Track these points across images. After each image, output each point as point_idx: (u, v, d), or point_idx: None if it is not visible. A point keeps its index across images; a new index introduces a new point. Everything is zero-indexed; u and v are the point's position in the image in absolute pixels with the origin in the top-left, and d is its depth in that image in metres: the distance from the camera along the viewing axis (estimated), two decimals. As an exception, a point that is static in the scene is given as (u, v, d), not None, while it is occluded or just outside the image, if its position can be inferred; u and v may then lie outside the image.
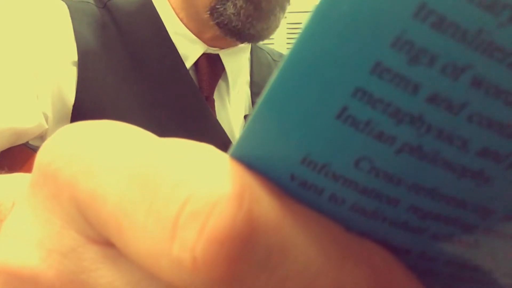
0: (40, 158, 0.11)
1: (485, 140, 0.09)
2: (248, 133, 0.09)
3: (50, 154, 0.11)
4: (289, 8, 0.61)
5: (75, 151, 0.11)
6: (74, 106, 0.55)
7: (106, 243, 0.11)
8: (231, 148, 0.10)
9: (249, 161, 0.09)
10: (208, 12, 0.57)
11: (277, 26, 0.60)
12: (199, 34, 0.61)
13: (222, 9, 0.55)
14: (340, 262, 0.09)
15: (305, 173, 0.09)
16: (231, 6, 0.55)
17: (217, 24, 0.57)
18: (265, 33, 0.59)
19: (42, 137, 0.57)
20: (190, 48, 0.61)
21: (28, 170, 0.55)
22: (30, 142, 0.57)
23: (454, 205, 0.10)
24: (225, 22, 0.56)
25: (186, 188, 0.09)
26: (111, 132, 0.11)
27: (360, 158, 0.09)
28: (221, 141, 0.60)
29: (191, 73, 0.61)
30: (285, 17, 0.63)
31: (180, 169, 0.09)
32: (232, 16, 0.55)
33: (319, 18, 0.08)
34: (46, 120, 0.55)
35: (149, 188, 0.09)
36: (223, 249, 0.08)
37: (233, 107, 0.65)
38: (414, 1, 0.07)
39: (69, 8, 0.58)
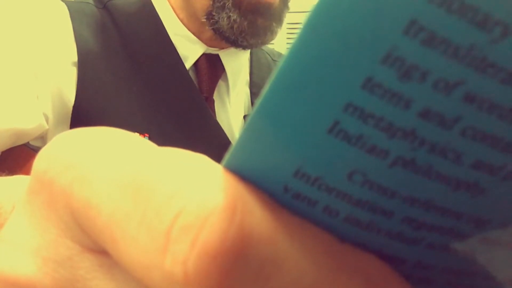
0: (36, 165, 0.11)
1: (479, 153, 0.09)
2: (241, 144, 0.09)
3: (46, 161, 0.11)
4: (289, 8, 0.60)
5: (71, 159, 0.11)
6: (74, 106, 0.55)
7: (102, 252, 0.11)
8: (225, 159, 0.10)
9: (243, 172, 0.09)
10: (205, 17, 0.57)
11: (273, 38, 0.60)
12: (198, 34, 0.61)
13: (217, 17, 0.56)
14: (334, 273, 0.09)
15: (298, 185, 0.09)
16: (225, 18, 0.55)
17: (213, 30, 0.57)
18: (260, 45, 0.60)
19: (42, 138, 0.57)
20: (190, 49, 0.61)
21: (29, 170, 0.55)
22: (30, 143, 0.57)
23: (448, 216, 0.10)
24: (220, 30, 0.57)
25: (178, 201, 0.09)
26: (107, 140, 0.11)
27: (353, 171, 0.09)
28: (220, 141, 0.60)
29: (191, 73, 0.61)
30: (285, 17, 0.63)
31: (173, 181, 0.09)
32: (225, 28, 0.56)
33: (310, 32, 0.08)
34: (47, 120, 0.55)
35: (142, 200, 0.09)
36: (215, 262, 0.08)
37: (233, 107, 0.65)
38: (404, 17, 0.07)
39: (68, 8, 0.58)
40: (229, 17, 0.55)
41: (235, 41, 0.57)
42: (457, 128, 0.08)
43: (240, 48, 0.60)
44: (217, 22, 0.56)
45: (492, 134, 0.08)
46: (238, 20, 0.55)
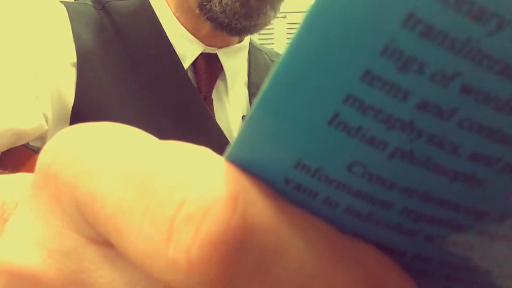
0: (41, 159, 0.12)
1: (476, 144, 0.09)
2: (243, 137, 0.09)
3: (51, 155, 0.11)
4: (289, 8, 0.61)
5: (75, 153, 0.11)
6: (73, 107, 0.55)
7: (106, 244, 0.11)
8: (227, 151, 0.10)
9: (244, 164, 0.10)
10: (198, 8, 0.58)
11: (267, 23, 0.60)
12: (196, 32, 0.61)
13: (209, 6, 0.56)
14: (334, 264, 0.10)
15: (299, 176, 0.09)
16: (217, 4, 0.56)
17: (208, 19, 0.58)
18: (253, 29, 0.60)
19: (42, 138, 0.57)
20: (188, 48, 0.61)
21: (28, 171, 0.55)
22: (30, 143, 0.57)
23: (447, 208, 0.10)
24: (214, 17, 0.57)
25: (181, 191, 0.09)
26: (110, 134, 0.11)
27: (353, 163, 0.09)
28: (219, 141, 0.60)
29: (189, 73, 0.61)
30: (285, 17, 0.63)
31: (176, 172, 0.09)
32: (219, 13, 0.56)
33: (310, 25, 0.08)
34: (46, 121, 0.55)
35: (145, 191, 0.09)
36: (217, 251, 0.08)
37: (232, 107, 0.65)
38: (402, 10, 0.07)
39: (67, 9, 0.58)
40: (220, 1, 0.56)
41: (229, 25, 0.57)
42: (454, 119, 0.09)
43: (236, 35, 0.60)
44: (210, 10, 0.57)
45: (489, 126, 0.09)
46: (229, 2, 0.55)
